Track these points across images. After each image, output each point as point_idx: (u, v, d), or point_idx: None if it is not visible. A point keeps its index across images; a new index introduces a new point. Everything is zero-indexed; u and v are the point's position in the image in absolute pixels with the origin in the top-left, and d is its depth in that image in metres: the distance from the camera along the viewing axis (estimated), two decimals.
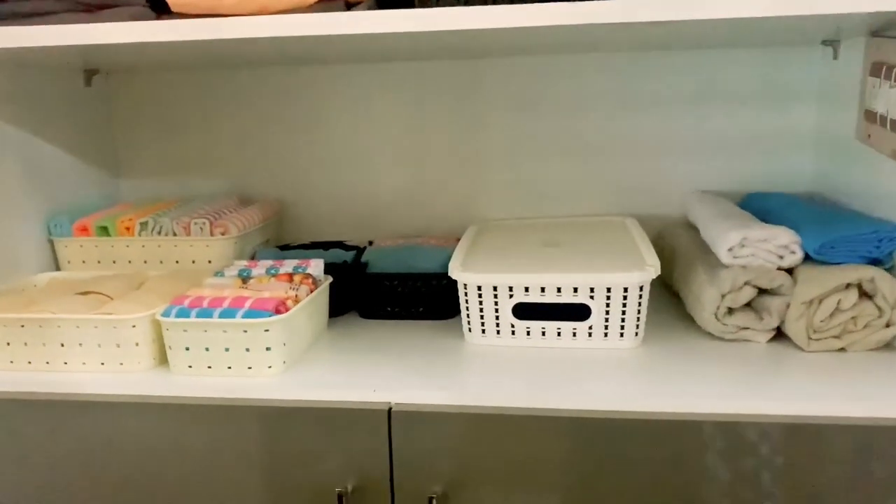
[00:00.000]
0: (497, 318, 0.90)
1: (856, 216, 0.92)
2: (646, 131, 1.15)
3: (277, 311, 0.82)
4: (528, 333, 0.89)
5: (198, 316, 0.81)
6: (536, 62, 1.16)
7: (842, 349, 0.85)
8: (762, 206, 1.02)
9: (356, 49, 0.98)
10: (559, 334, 0.89)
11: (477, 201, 1.22)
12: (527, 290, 0.88)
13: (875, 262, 0.86)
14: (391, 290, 1.01)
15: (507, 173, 1.20)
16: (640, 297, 0.87)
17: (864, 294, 0.84)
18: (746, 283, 0.88)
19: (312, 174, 1.25)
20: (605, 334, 0.88)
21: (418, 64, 1.19)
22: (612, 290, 0.86)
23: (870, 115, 0.89)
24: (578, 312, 0.88)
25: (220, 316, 0.81)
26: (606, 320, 0.87)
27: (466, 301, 0.90)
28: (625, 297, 0.86)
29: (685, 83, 1.13)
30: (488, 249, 0.99)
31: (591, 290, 0.86)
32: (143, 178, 1.30)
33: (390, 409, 0.76)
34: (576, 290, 0.87)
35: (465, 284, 0.90)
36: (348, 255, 1.06)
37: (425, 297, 1.00)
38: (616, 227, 1.07)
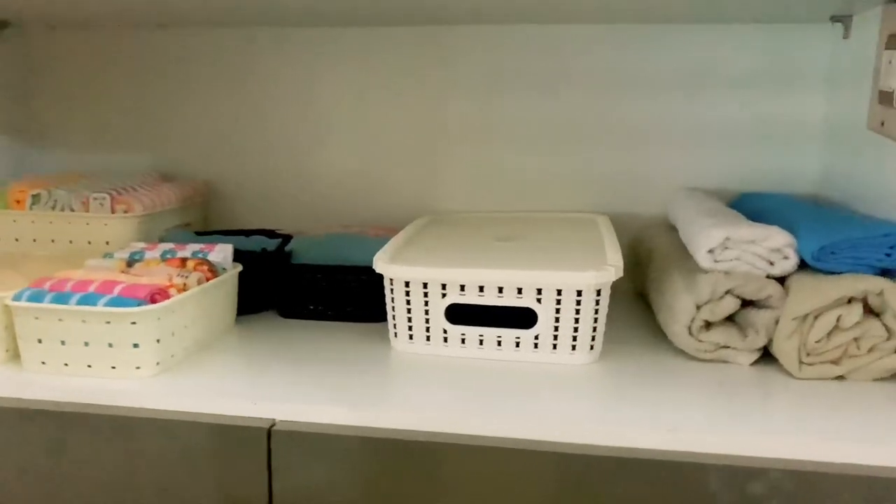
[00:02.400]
0: (427, 321, 0.75)
1: (863, 218, 0.77)
2: (629, 117, 1.00)
3: (152, 301, 0.67)
4: (463, 341, 0.74)
5: (53, 301, 0.67)
6: (508, 32, 1.01)
7: (840, 377, 0.70)
8: (756, 207, 0.87)
9: (302, 7, 0.84)
10: (499, 344, 0.74)
11: (434, 190, 1.07)
12: (462, 288, 0.73)
13: (884, 272, 0.71)
14: (315, 285, 0.86)
15: (470, 160, 1.05)
16: (597, 302, 0.72)
17: (870, 311, 0.69)
18: (728, 293, 0.73)
19: (249, 153, 1.11)
20: (554, 346, 0.73)
21: (374, 30, 1.04)
22: (562, 292, 0.71)
23: (884, 97, 0.74)
24: (523, 318, 0.73)
25: (79, 302, 0.66)
26: (556, 329, 0.72)
27: (392, 300, 0.75)
28: (578, 302, 0.71)
29: (676, 62, 0.98)
30: (430, 242, 0.84)
31: (539, 291, 0.71)
32: (67, 149, 1.16)
33: (272, 426, 0.61)
34: (520, 290, 0.72)
35: (391, 279, 0.75)
36: (271, 244, 0.92)
37: (355, 295, 0.85)
38: (585, 224, 0.92)
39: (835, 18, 0.90)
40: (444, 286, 0.73)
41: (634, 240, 0.98)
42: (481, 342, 0.74)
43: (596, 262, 0.73)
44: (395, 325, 0.76)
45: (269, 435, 0.60)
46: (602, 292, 0.72)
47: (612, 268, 0.71)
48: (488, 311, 0.73)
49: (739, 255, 0.74)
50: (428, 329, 0.75)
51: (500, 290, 0.72)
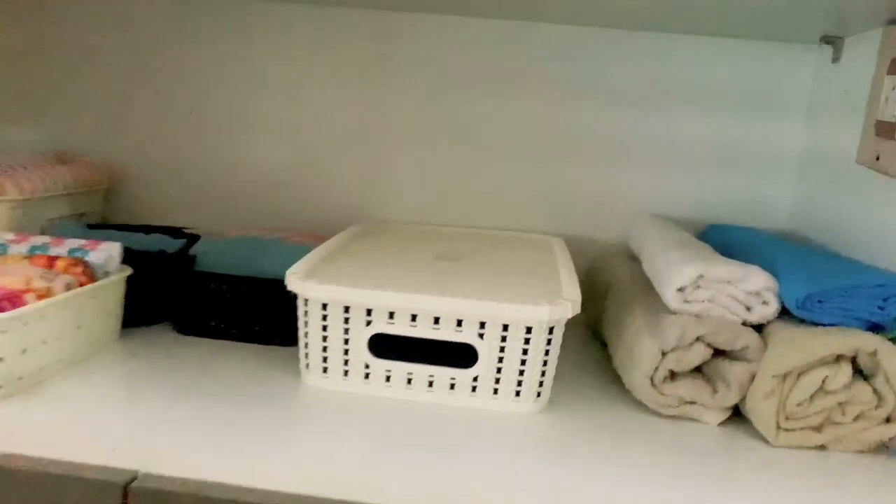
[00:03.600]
0: (346, 352, 0.62)
1: (850, 263, 0.68)
2: (593, 130, 0.90)
3: (0, 309, 0.53)
4: (388, 379, 0.62)
5: None
6: (470, 26, 0.90)
7: (821, 447, 0.61)
8: (726, 241, 0.78)
9: None
10: (431, 385, 0.62)
11: (372, 195, 0.95)
12: (391, 316, 0.61)
13: (875, 327, 0.62)
14: (218, 298, 0.73)
15: (416, 164, 0.93)
16: (549, 342, 0.61)
17: (858, 372, 0.59)
18: (699, 340, 0.63)
19: (163, 138, 0.96)
20: (495, 391, 0.61)
21: (315, 8, 0.92)
22: (509, 328, 0.60)
23: (883, 129, 0.65)
24: (461, 356, 0.61)
25: None
26: (498, 371, 0.61)
27: (306, 324, 0.63)
28: (527, 341, 0.60)
29: (647, 73, 0.88)
30: (360, 256, 0.72)
31: (481, 325, 0.60)
32: None
33: (130, 482, 0.48)
34: (460, 323, 0.60)
35: (305, 299, 0.62)
36: (172, 245, 0.78)
37: (265, 313, 0.72)
38: (538, 247, 0.82)
39: (825, 40, 0.81)
40: (368, 312, 0.61)
41: (591, 267, 0.87)
42: (409, 381, 0.62)
43: (550, 294, 0.62)
44: (307, 355, 0.63)
45: (125, 493, 0.47)
46: (555, 331, 0.61)
47: (568, 303, 0.60)
48: (420, 344, 0.61)
49: (713, 296, 0.64)
50: (346, 362, 0.62)
51: (437, 320, 0.60)
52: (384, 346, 0.62)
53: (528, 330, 0.60)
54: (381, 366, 0.62)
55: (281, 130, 0.95)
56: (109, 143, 0.97)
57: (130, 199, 0.98)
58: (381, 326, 0.61)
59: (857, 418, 0.59)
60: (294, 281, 0.62)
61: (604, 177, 0.91)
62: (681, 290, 0.64)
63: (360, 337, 0.61)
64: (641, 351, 0.63)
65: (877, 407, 0.59)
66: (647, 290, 0.72)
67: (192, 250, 0.77)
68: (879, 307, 0.61)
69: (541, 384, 0.62)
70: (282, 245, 0.79)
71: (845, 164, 0.77)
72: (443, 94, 0.91)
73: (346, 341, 0.62)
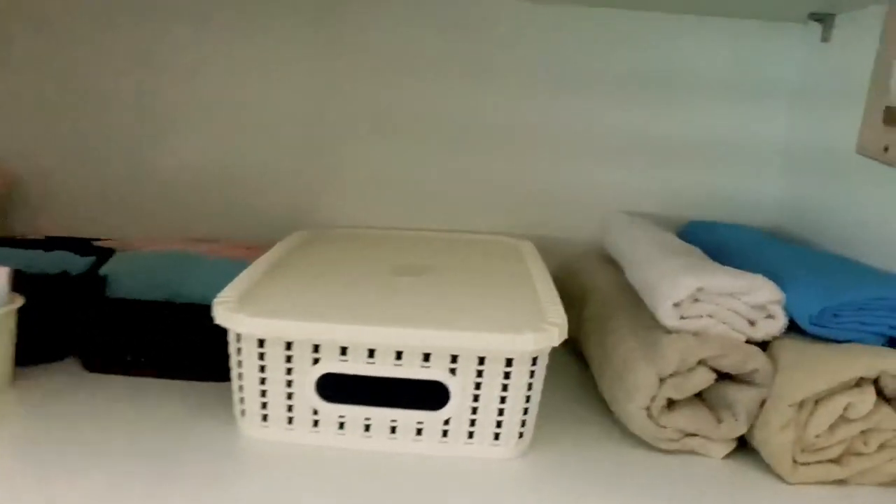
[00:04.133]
0: (290, 396, 0.52)
1: (863, 269, 0.60)
2: (561, 121, 0.81)
3: None
4: (342, 426, 0.52)
5: None
6: (422, 5, 0.79)
7: (841, 481, 0.53)
8: (711, 241, 0.70)
9: None
10: (394, 431, 0.52)
11: (321, 197, 0.84)
12: (343, 351, 0.50)
13: (892, 341, 0.55)
14: (135, 327, 0.61)
15: (368, 161, 0.83)
16: (532, 374, 0.52)
17: (879, 394, 0.52)
18: (701, 363, 0.54)
19: (74, 138, 0.83)
20: (471, 435, 0.52)
21: None
22: (486, 361, 0.50)
23: (894, 117, 0.58)
24: (429, 395, 0.52)
25: None
26: (474, 411, 0.51)
27: (239, 364, 0.52)
28: (507, 375, 0.51)
29: (618, 57, 0.80)
30: (304, 273, 0.61)
31: (453, 359, 0.50)
32: None
33: None
34: (427, 357, 0.50)
35: (237, 335, 0.51)
36: (78, 265, 0.66)
37: (192, 343, 0.61)
38: (506, 253, 0.72)
39: (813, 17, 0.74)
40: (315, 348, 0.50)
41: (564, 272, 0.79)
42: (367, 428, 0.52)
43: (531, 317, 0.52)
44: (242, 401, 0.53)
45: None
46: (539, 361, 0.52)
47: (554, 328, 0.51)
48: (379, 383, 0.51)
49: (713, 311, 0.56)
50: (290, 408, 0.52)
51: (399, 355, 0.50)
52: (336, 387, 0.51)
53: (509, 362, 0.50)
54: (332, 411, 0.52)
55: (207, 128, 0.83)
56: (10, 143, 0.83)
57: (32, 207, 0.84)
58: (332, 364, 0.51)
59: (880, 448, 0.52)
60: (223, 312, 0.51)
61: (574, 171, 0.82)
62: (677, 305, 0.56)
63: (307, 378, 0.51)
64: (636, 378, 0.55)
65: None
66: (633, 301, 0.64)
67: (102, 270, 0.65)
68: None
69: (523, 424, 0.52)
70: (211, 261, 0.68)
71: (839, 155, 0.70)
72: (397, 83, 0.80)
73: (290, 383, 0.51)
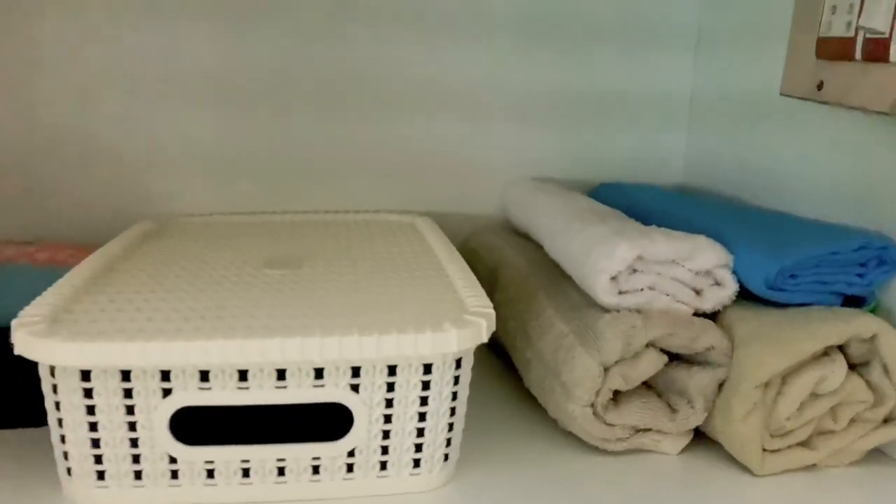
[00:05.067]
0: (134, 442, 0.38)
1: (808, 223, 0.54)
2: (447, 77, 0.69)
3: None
4: (211, 475, 0.39)
5: None
6: None
7: (811, 466, 0.46)
8: (629, 206, 0.62)
9: None
10: (282, 472, 0.40)
11: (158, 177, 0.67)
12: (205, 376, 0.37)
13: (852, 301, 0.48)
14: None
15: (219, 129, 0.67)
16: (457, 380, 0.41)
17: (849, 364, 0.46)
18: (650, 345, 0.46)
19: None
20: (383, 465, 0.41)
21: None
22: (398, 370, 0.39)
23: (830, 48, 0.51)
24: (326, 422, 0.40)
25: None
26: (386, 436, 0.40)
27: (58, 407, 0.38)
28: (425, 385, 0.40)
29: (511, 4, 0.69)
30: (144, 276, 0.46)
31: (355, 372, 0.38)
32: None
33: None
34: (320, 373, 0.38)
35: (50, 368, 0.37)
36: None
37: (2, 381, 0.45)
38: (401, 231, 0.61)
39: None
40: (165, 375, 0.37)
41: (464, 251, 0.68)
42: (247, 473, 0.39)
43: (447, 308, 0.41)
44: (66, 455, 0.38)
45: None
46: (464, 364, 0.41)
47: (481, 321, 0.40)
48: (258, 415, 0.39)
49: (654, 281, 0.47)
50: (137, 458, 0.38)
51: (281, 374, 0.38)
52: (198, 424, 0.38)
53: (427, 369, 0.39)
54: (196, 456, 0.38)
55: (10, 91, 0.65)
56: None
57: None
58: (189, 395, 0.37)
59: (851, 423, 0.46)
60: (25, 338, 0.36)
61: (464, 135, 0.71)
62: (614, 278, 0.47)
63: (156, 416, 0.37)
64: (575, 371, 0.45)
65: (874, 406, 0.45)
66: (556, 278, 0.55)
67: None
68: (859, 275, 0.48)
69: (448, 444, 0.41)
70: (20, 269, 0.52)
71: (753, 102, 0.64)
72: (244, 30, 0.66)
73: (132, 426, 0.38)
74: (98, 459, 0.38)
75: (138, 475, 0.38)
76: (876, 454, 0.48)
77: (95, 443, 0.38)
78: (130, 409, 0.37)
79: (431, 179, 0.71)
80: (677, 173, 0.75)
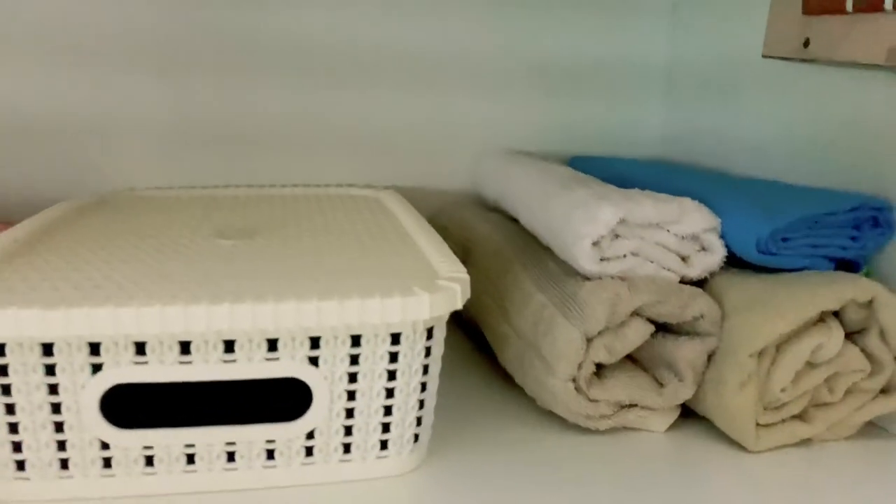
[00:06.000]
0: (59, 426, 0.33)
1: (797, 187, 0.51)
2: (411, 43, 0.65)
3: None
4: (150, 462, 0.34)
5: None
6: None
7: (806, 441, 0.43)
8: (607, 178, 0.58)
9: None
10: (232, 458, 0.35)
11: (107, 150, 0.62)
12: (141, 349, 0.33)
13: (846, 265, 0.46)
14: None
15: (167, 97, 0.62)
16: (428, 351, 0.37)
17: (845, 332, 0.43)
18: (635, 314, 0.42)
19: None
20: (347, 448, 0.36)
21: None
22: (363, 341, 0.35)
23: (817, 2, 0.49)
24: (282, 401, 0.35)
25: None
26: (350, 414, 0.36)
27: None
28: (393, 357, 0.35)
29: None
30: (73, 248, 0.41)
31: (314, 343, 0.34)
32: None
33: None
34: (273, 345, 0.34)
35: None
36: None
37: None
38: (365, 205, 0.56)
39: None
40: (94, 348, 0.32)
41: (435, 227, 0.64)
42: (192, 459, 0.35)
43: (417, 275, 0.37)
44: None
45: None
46: (436, 334, 0.37)
47: (455, 285, 0.36)
48: (204, 393, 0.34)
49: (638, 247, 0.44)
50: (63, 445, 0.33)
51: (230, 346, 0.33)
52: (134, 404, 0.34)
53: (395, 339, 0.35)
54: (132, 441, 0.34)
55: None
56: None
57: None
58: (123, 372, 0.33)
59: (847, 394, 0.43)
60: None
61: (434, 107, 0.67)
62: (596, 243, 0.43)
63: (84, 396, 0.33)
64: (556, 343, 0.42)
65: (871, 375, 0.43)
66: (532, 249, 0.51)
67: None
68: (853, 238, 0.45)
69: (419, 423, 0.37)
70: None
71: (733, 67, 0.61)
72: None
73: (57, 407, 0.33)
74: (17, 447, 0.33)
75: (65, 464, 0.33)
76: (871, 428, 0.45)
77: (13, 428, 0.33)
78: (54, 389, 0.32)
79: (398, 153, 0.67)
80: (654, 145, 0.72)
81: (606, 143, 0.71)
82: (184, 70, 0.61)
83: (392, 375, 0.35)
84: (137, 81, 0.61)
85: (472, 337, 0.56)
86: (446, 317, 0.37)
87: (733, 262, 0.45)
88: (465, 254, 0.57)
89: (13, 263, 0.37)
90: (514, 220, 0.57)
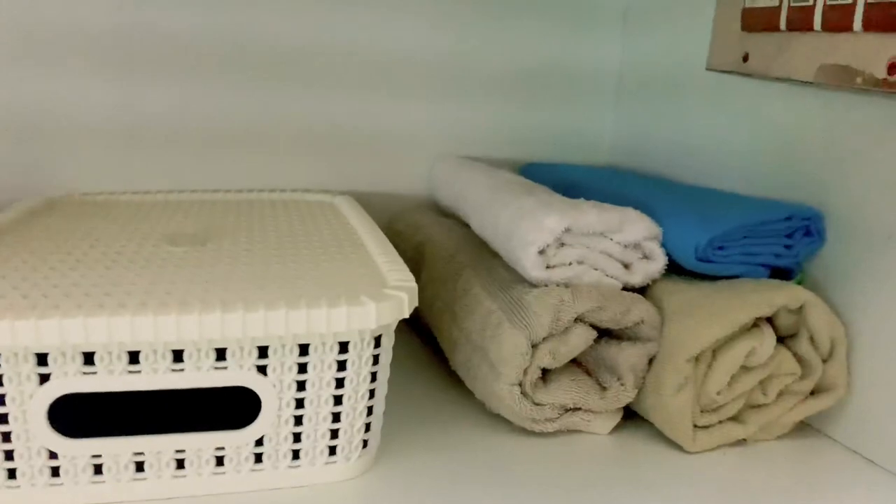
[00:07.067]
0: (6, 437, 0.33)
1: (734, 196, 0.53)
2: (362, 46, 0.66)
3: None
4: (99, 471, 0.35)
5: None
6: None
7: (741, 441, 0.45)
8: (556, 184, 0.60)
9: None
10: (181, 465, 0.36)
11: (54, 152, 0.61)
12: (89, 359, 0.33)
13: (780, 272, 0.48)
14: None
15: (113, 96, 0.61)
16: (376, 361, 0.38)
17: (777, 337, 0.45)
18: (578, 320, 0.44)
19: None
20: (295, 454, 0.37)
21: None
22: (311, 349, 0.36)
23: (755, 18, 0.51)
24: (230, 408, 0.36)
25: None
26: (298, 421, 0.37)
27: None
28: (341, 365, 0.36)
29: None
30: (26, 252, 0.41)
31: (262, 352, 0.35)
32: None
33: None
34: (222, 353, 0.34)
35: None
36: None
37: None
38: (318, 210, 0.57)
39: None
40: (41, 358, 0.32)
41: (388, 232, 0.65)
42: (140, 467, 0.35)
43: (365, 284, 0.38)
44: None
45: None
46: (384, 342, 0.38)
47: (402, 294, 0.37)
48: (151, 402, 0.34)
49: (582, 255, 0.45)
50: (10, 455, 0.33)
51: (178, 356, 0.34)
52: (82, 414, 0.34)
53: (343, 347, 0.36)
54: (80, 450, 0.34)
55: None
56: None
57: None
58: (71, 381, 0.33)
59: (780, 395, 0.45)
60: None
61: (389, 111, 0.68)
62: (542, 251, 0.45)
63: (32, 406, 0.33)
64: (502, 348, 0.43)
65: (801, 378, 0.45)
66: (483, 255, 0.52)
67: None
68: (786, 246, 0.47)
69: (367, 429, 0.38)
70: None
71: (680, 76, 0.63)
72: None
73: (4, 418, 0.33)
74: None
75: (12, 474, 0.34)
76: (802, 427, 0.47)
77: None
78: (0, 399, 0.32)
79: (353, 157, 0.67)
80: (604, 152, 0.74)
81: (559, 150, 0.72)
82: (135, 71, 0.61)
83: (340, 383, 0.36)
84: (88, 81, 0.60)
85: (427, 341, 0.57)
86: (394, 325, 0.37)
87: (673, 269, 0.47)
88: (418, 256, 0.58)
89: None
90: (467, 226, 0.58)
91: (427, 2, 0.66)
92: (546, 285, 0.45)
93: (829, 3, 0.43)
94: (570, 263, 0.45)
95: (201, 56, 0.62)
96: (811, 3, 0.45)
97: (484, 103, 0.70)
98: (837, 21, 0.43)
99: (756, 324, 0.44)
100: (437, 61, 0.68)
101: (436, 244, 0.57)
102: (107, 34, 0.60)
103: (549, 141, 0.73)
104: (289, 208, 0.57)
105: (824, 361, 0.45)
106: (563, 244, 0.45)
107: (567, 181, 0.61)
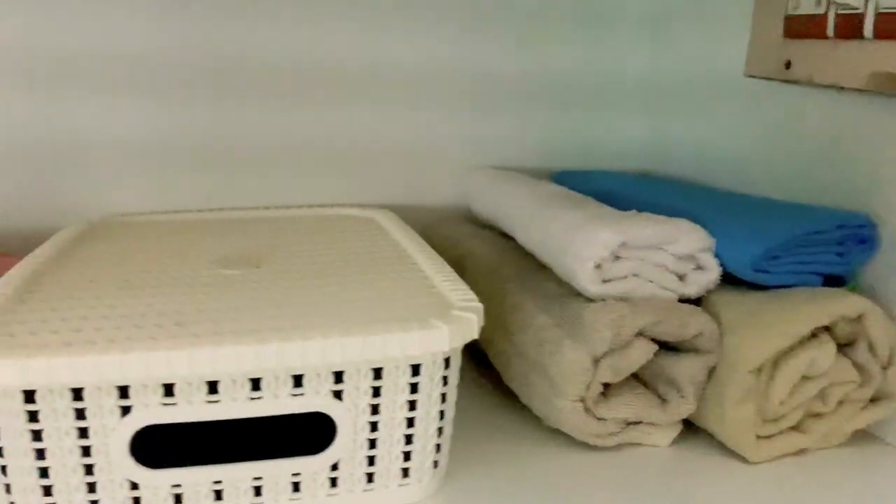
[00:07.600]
0: (89, 469, 0.33)
1: (782, 204, 0.53)
2: (393, 62, 0.66)
3: None
4: (179, 501, 0.35)
5: None
6: None
7: (802, 451, 0.46)
8: (593, 194, 0.60)
9: None
10: (259, 492, 0.36)
11: (90, 176, 0.61)
12: (169, 390, 0.33)
13: (832, 281, 0.48)
14: None
15: (149, 118, 0.62)
16: (445, 381, 0.38)
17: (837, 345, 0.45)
18: (639, 334, 0.44)
19: None
20: (370, 477, 0.37)
21: None
22: (384, 373, 0.36)
23: (799, 26, 0.51)
24: (306, 434, 0.36)
25: None
26: (372, 445, 0.37)
27: None
28: (414, 388, 0.36)
29: None
30: (84, 283, 0.42)
31: (337, 377, 0.35)
32: None
33: None
34: (299, 380, 0.35)
35: None
36: None
37: None
38: (362, 227, 0.57)
39: None
40: (123, 391, 0.33)
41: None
42: (220, 495, 0.35)
43: (429, 305, 0.38)
44: (7, 487, 0.33)
45: None
46: (452, 363, 0.38)
47: (471, 315, 0.37)
48: (230, 430, 0.35)
49: (638, 268, 0.45)
50: (93, 487, 0.34)
51: (256, 384, 0.34)
52: (162, 445, 0.34)
53: (416, 370, 0.36)
54: (161, 481, 0.34)
55: None
56: None
57: None
58: (152, 413, 0.33)
59: (839, 404, 0.45)
60: None
61: (417, 124, 0.68)
62: (598, 266, 0.45)
63: (114, 438, 0.33)
64: (562, 364, 0.43)
65: (860, 385, 0.45)
66: (528, 268, 0.52)
67: None
68: (839, 254, 0.47)
69: (438, 450, 0.38)
70: None
71: (714, 83, 0.63)
72: (177, 7, 0.60)
73: (87, 450, 0.33)
74: (47, 491, 0.33)
75: None
76: (862, 434, 0.47)
77: (44, 472, 0.33)
78: (84, 432, 0.33)
79: (383, 170, 0.68)
80: (636, 159, 0.74)
81: (590, 158, 0.73)
82: (168, 91, 0.61)
83: (412, 405, 0.36)
84: (120, 103, 0.60)
85: (472, 356, 0.57)
86: (461, 346, 0.38)
87: (724, 278, 0.47)
88: (459, 271, 0.58)
89: (24, 301, 0.37)
90: (506, 237, 0.58)
91: (453, 14, 0.66)
92: (603, 300, 0.45)
93: (880, 10, 0.44)
94: (626, 277, 0.45)
95: (234, 76, 0.62)
96: (861, 10, 0.45)
97: (512, 112, 0.70)
98: (891, 29, 0.43)
99: (815, 333, 0.44)
100: (465, 74, 0.68)
101: (477, 257, 0.57)
102: (143, 56, 0.60)
103: (579, 149, 0.73)
104: (331, 224, 0.57)
105: (883, 369, 0.45)
106: (618, 257, 0.45)
107: (603, 189, 0.61)
